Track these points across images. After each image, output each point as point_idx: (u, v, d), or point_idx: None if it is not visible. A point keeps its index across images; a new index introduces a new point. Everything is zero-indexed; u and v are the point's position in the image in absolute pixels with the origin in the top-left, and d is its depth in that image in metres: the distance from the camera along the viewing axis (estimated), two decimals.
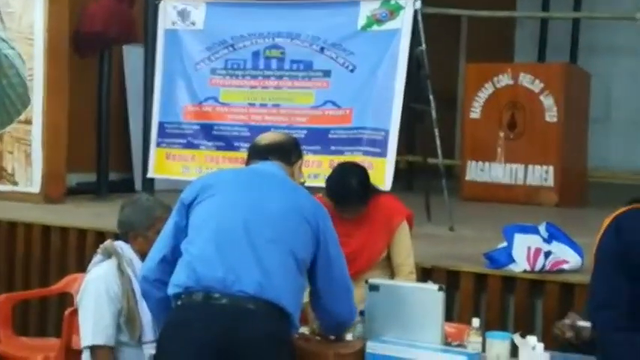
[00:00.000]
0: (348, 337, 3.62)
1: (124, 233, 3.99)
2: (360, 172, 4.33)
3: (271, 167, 3.53)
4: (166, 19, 7.16)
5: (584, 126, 9.48)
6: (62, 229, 6.42)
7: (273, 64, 6.82)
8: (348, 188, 4.20)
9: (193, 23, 7.07)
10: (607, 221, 2.64)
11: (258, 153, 3.62)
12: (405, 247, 4.34)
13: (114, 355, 3.81)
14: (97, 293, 3.83)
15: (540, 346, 3.42)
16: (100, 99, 8.82)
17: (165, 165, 7.05)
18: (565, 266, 5.00)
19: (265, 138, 3.70)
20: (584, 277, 4.81)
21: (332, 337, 3.58)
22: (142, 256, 3.75)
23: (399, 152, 6.60)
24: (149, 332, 3.82)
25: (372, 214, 4.29)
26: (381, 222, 4.29)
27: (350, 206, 4.22)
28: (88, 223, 6.41)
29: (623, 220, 2.60)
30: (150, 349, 3.68)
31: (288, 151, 3.64)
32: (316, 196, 4.29)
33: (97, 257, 4.00)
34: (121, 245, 3.96)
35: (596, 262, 2.62)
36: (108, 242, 4.01)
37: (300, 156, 3.69)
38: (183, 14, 7.09)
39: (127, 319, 3.82)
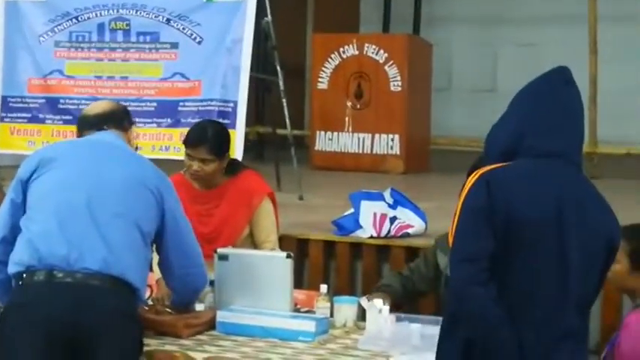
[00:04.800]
0: (199, 307, 3.67)
1: None
2: (220, 125, 4.45)
3: (109, 137, 3.46)
4: None
5: (427, 95, 9.75)
6: None
7: (119, 36, 6.73)
8: (202, 131, 4.22)
9: None
10: (472, 179, 2.73)
11: (90, 124, 3.52)
12: (266, 226, 4.35)
13: None
14: None
15: (386, 308, 3.56)
16: None
17: (10, 140, 6.87)
18: (409, 230, 5.19)
19: (94, 108, 3.61)
20: (428, 240, 5.00)
21: (182, 309, 3.60)
22: None
23: (248, 123, 6.65)
24: None
25: (232, 193, 4.29)
26: (241, 200, 4.29)
27: (198, 147, 4.17)
28: None
29: (493, 175, 2.69)
30: None
31: (121, 119, 3.57)
32: (178, 174, 4.30)
33: None
34: None
35: (460, 218, 2.70)
36: None
37: (131, 122, 3.62)
38: None
39: None
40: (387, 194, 5.30)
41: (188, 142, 4.24)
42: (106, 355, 3.10)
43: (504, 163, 2.73)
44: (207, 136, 4.19)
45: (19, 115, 6.86)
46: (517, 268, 2.64)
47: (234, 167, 4.36)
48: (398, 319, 3.49)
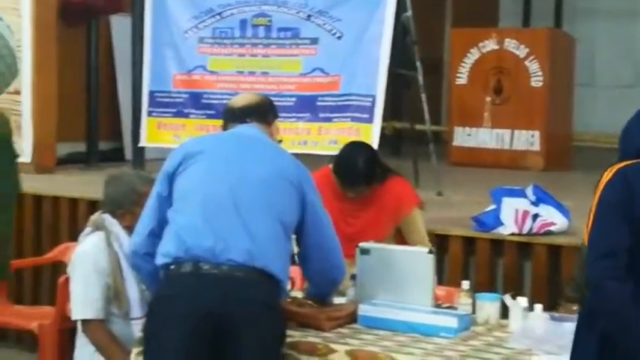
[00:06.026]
0: (339, 300, 3.69)
1: (110, 211, 3.96)
2: (369, 152, 4.28)
3: (252, 130, 3.49)
4: None
5: (570, 91, 9.55)
6: (54, 199, 6.46)
7: (261, 32, 6.83)
8: (354, 168, 4.15)
9: None
10: (608, 174, 2.68)
11: (235, 116, 3.56)
12: (418, 234, 4.31)
13: (105, 326, 3.80)
14: (84, 269, 3.80)
15: (539, 306, 3.48)
16: (89, 68, 8.84)
17: (157, 134, 7.08)
18: (552, 228, 5.08)
19: (240, 100, 3.64)
20: (572, 238, 4.89)
21: (324, 302, 3.61)
22: (131, 231, 3.70)
23: (384, 118, 6.64)
24: (137, 309, 3.79)
25: (381, 198, 4.23)
26: (389, 208, 4.24)
27: (353, 186, 4.17)
28: (79, 193, 6.44)
29: (631, 170, 2.65)
30: (138, 326, 3.61)
31: (265, 112, 3.59)
32: (325, 169, 4.32)
33: (86, 229, 3.98)
34: (109, 219, 3.92)
35: (597, 212, 2.65)
36: (97, 215, 3.95)
37: (276, 115, 3.64)
38: None
39: (114, 295, 3.81)
40: (528, 191, 5.20)
41: (340, 179, 4.19)
42: (250, 346, 3.15)
43: None
44: (359, 172, 4.14)
45: (165, 109, 7.06)
46: None
47: (383, 172, 4.29)
48: (552, 318, 3.42)
